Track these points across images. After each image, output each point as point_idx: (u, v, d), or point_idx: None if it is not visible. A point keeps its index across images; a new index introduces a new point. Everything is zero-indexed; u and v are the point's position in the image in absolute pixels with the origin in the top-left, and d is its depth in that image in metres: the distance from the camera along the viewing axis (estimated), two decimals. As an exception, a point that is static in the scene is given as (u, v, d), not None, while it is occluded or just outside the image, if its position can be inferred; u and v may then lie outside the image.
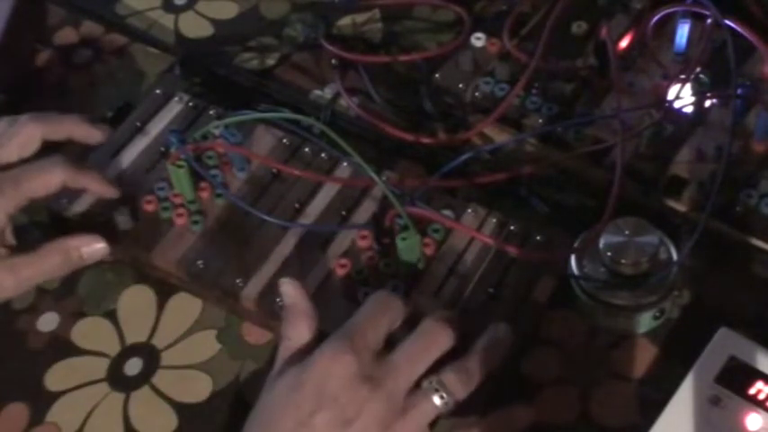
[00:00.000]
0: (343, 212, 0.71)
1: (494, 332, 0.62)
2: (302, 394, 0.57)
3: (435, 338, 0.60)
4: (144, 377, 0.68)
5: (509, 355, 0.62)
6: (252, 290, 0.68)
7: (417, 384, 0.59)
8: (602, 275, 0.64)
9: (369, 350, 0.58)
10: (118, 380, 0.69)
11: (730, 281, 0.67)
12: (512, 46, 0.78)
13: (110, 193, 0.71)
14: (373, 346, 0.59)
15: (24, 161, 0.70)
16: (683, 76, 0.73)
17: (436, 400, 0.58)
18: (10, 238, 0.68)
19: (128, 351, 0.70)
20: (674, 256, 0.64)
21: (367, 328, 0.59)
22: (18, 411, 0.68)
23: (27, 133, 0.71)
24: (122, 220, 0.71)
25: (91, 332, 0.71)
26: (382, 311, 0.61)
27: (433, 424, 0.59)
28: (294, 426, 0.56)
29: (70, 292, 0.73)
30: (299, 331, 0.62)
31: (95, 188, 0.71)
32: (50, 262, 0.67)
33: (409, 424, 0.57)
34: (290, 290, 0.63)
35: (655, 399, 0.61)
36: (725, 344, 0.61)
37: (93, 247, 0.69)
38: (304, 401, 0.57)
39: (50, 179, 0.68)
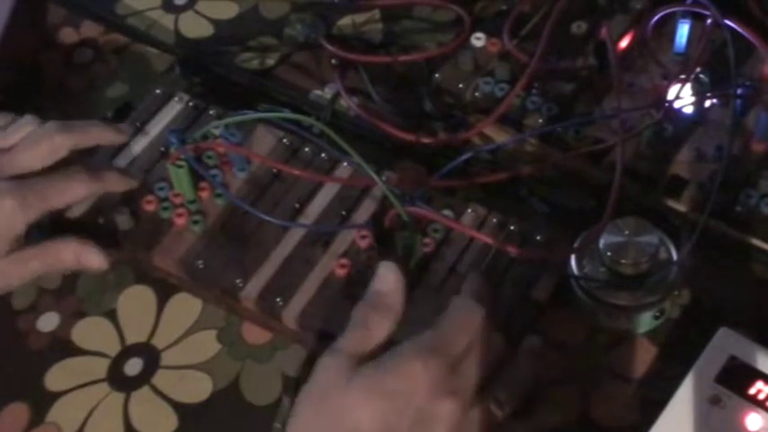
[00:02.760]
0: (343, 212, 0.71)
1: (530, 343, 0.62)
2: (391, 404, 0.55)
3: (494, 347, 0.60)
4: (144, 377, 0.68)
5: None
6: (252, 290, 0.68)
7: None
8: (603, 275, 0.64)
9: (454, 360, 0.57)
10: (118, 380, 0.69)
11: (730, 281, 0.67)
12: (512, 46, 0.78)
13: (132, 185, 0.72)
14: (459, 356, 0.57)
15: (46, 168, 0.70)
16: (683, 76, 0.73)
17: (496, 411, 0.58)
18: (21, 241, 0.68)
19: (128, 351, 0.70)
20: (674, 256, 0.65)
21: (456, 338, 0.58)
22: (18, 411, 0.68)
23: (56, 143, 0.69)
24: (122, 220, 0.71)
25: (91, 332, 0.71)
26: (470, 321, 0.59)
27: None
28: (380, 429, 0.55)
29: (70, 292, 0.73)
30: (381, 324, 0.59)
31: (119, 188, 0.71)
32: (52, 257, 0.68)
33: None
34: (389, 276, 0.61)
35: (655, 399, 0.61)
36: (725, 344, 0.61)
37: (91, 257, 0.68)
38: (392, 411, 0.55)
39: (75, 193, 0.69)
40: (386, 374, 0.56)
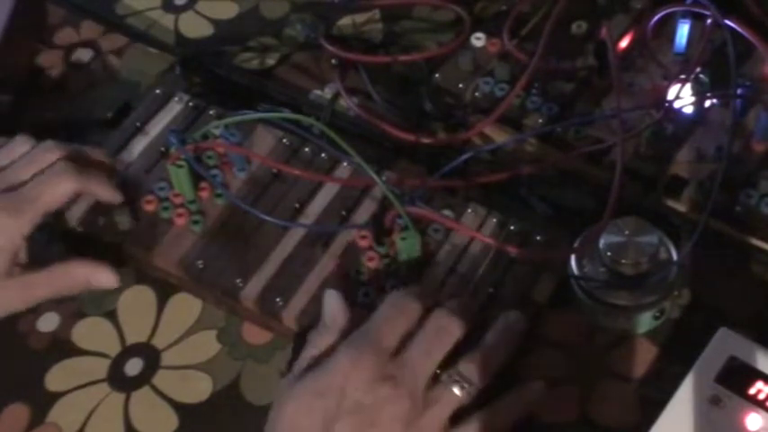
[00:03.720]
0: (343, 212, 0.71)
1: (505, 319, 0.63)
2: (325, 400, 0.57)
3: (446, 329, 0.60)
4: (144, 377, 0.68)
5: (522, 341, 0.63)
6: (252, 290, 0.68)
7: (436, 378, 0.59)
8: (602, 275, 0.64)
9: (387, 351, 0.59)
10: (118, 380, 0.69)
11: (730, 281, 0.67)
12: (512, 46, 0.78)
13: (114, 198, 0.71)
14: (391, 347, 0.59)
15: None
16: (683, 76, 0.73)
17: (456, 390, 0.59)
18: (23, 257, 0.67)
19: (128, 351, 0.70)
20: (674, 256, 0.64)
21: (384, 330, 0.60)
22: (19, 412, 0.68)
23: (49, 160, 0.69)
24: (122, 221, 0.71)
25: (91, 332, 0.71)
26: (399, 313, 0.61)
27: (457, 418, 0.59)
28: (320, 427, 0.57)
29: (70, 293, 0.73)
30: (325, 343, 0.62)
31: (102, 194, 0.70)
32: (60, 283, 0.67)
33: (432, 418, 0.58)
34: (332, 303, 0.64)
35: (655, 399, 0.61)
36: (725, 344, 0.61)
37: (102, 278, 0.68)
38: (327, 407, 0.57)
39: (63, 191, 0.68)
40: (319, 375, 0.58)
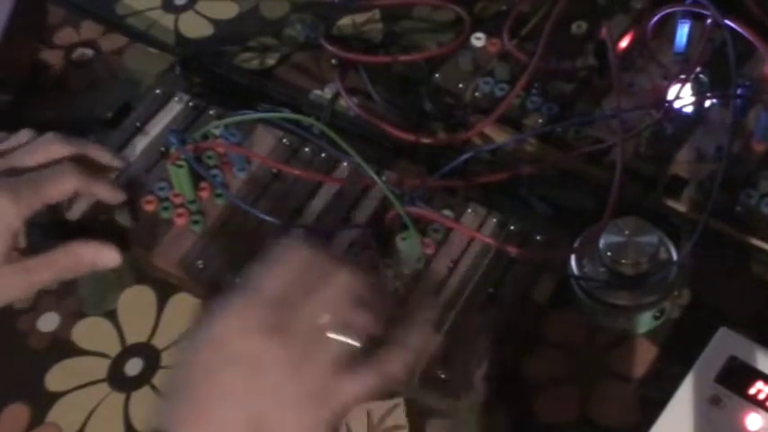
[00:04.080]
0: (343, 212, 0.71)
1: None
2: (207, 353, 0.56)
3: (337, 279, 0.57)
4: (144, 377, 0.68)
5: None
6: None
7: (328, 326, 0.57)
8: (602, 275, 0.64)
9: (267, 300, 0.57)
10: (118, 380, 0.69)
11: (730, 281, 0.67)
12: (512, 46, 0.78)
13: (116, 199, 0.71)
14: (272, 295, 0.57)
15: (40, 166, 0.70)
16: (683, 76, 0.73)
17: (341, 338, 0.56)
18: (21, 241, 0.67)
19: (128, 351, 0.70)
20: (674, 256, 0.64)
21: (265, 281, 0.58)
22: (19, 412, 0.68)
23: (53, 150, 0.70)
24: (122, 220, 0.71)
25: (91, 332, 0.71)
26: (282, 262, 0.59)
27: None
28: (205, 384, 0.56)
29: (70, 293, 0.73)
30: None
31: (104, 195, 0.71)
32: (62, 265, 0.67)
33: (321, 364, 0.56)
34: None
35: (655, 399, 0.61)
36: (725, 344, 0.61)
37: (106, 257, 0.68)
38: (210, 360, 0.56)
39: (65, 185, 0.68)
40: (201, 330, 0.57)
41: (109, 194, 0.71)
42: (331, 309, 0.56)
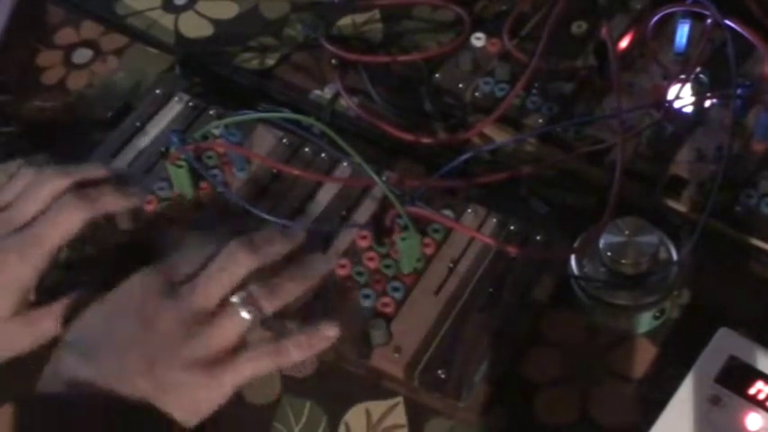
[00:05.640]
0: (343, 212, 0.71)
1: (312, 258, 0.65)
2: (109, 306, 0.60)
3: (237, 258, 0.61)
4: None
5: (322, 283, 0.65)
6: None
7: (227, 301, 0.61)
8: (602, 275, 0.64)
9: (174, 276, 0.61)
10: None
11: (730, 281, 0.67)
12: (512, 46, 0.78)
13: (132, 203, 0.69)
14: (180, 277, 0.61)
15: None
16: (683, 76, 0.73)
17: (243, 313, 0.60)
18: (31, 297, 0.65)
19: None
20: (674, 256, 0.64)
21: (179, 261, 0.62)
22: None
23: (56, 186, 0.66)
24: (122, 220, 0.71)
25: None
26: (198, 251, 0.63)
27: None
28: (104, 333, 0.59)
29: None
30: None
31: (117, 208, 0.69)
32: (65, 315, 0.65)
33: (217, 336, 0.60)
34: None
35: (655, 399, 0.61)
36: (725, 344, 0.61)
37: None
38: (110, 312, 0.60)
39: (70, 224, 0.65)
40: (113, 292, 0.61)
41: (121, 202, 0.68)
42: (227, 281, 0.61)
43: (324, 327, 0.62)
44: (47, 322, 0.64)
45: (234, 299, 0.60)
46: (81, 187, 0.67)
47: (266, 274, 0.62)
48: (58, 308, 0.65)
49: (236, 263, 0.61)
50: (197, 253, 0.63)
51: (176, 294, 0.60)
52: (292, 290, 0.63)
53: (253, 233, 0.63)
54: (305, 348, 0.61)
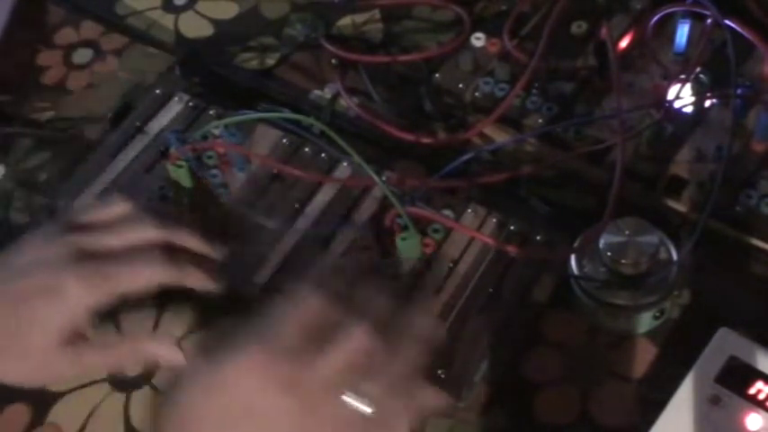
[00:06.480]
0: (343, 212, 0.71)
1: (420, 328, 0.57)
2: (219, 399, 0.53)
3: (357, 339, 0.54)
4: (145, 378, 0.68)
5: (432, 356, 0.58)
6: (252, 290, 0.68)
7: (338, 383, 0.54)
8: (602, 275, 0.64)
9: (283, 352, 0.54)
10: (119, 380, 0.68)
11: (730, 281, 0.67)
12: (512, 46, 0.78)
13: (209, 288, 0.65)
14: (288, 346, 0.54)
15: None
16: (683, 76, 0.73)
17: (354, 402, 0.54)
18: (86, 331, 0.62)
19: (128, 351, 0.70)
20: (674, 256, 0.64)
21: (281, 329, 0.54)
22: (19, 412, 0.67)
23: (147, 236, 0.63)
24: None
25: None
26: (298, 309, 0.55)
27: None
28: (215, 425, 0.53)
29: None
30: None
31: (198, 285, 0.64)
32: (118, 358, 0.63)
33: (324, 425, 0.53)
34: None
35: (655, 399, 0.61)
36: (725, 344, 0.61)
37: (170, 355, 0.63)
38: (223, 409, 0.53)
39: (147, 279, 0.62)
40: (213, 371, 0.54)
41: (203, 283, 0.64)
42: (347, 370, 0.53)
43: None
44: (96, 361, 0.62)
45: (347, 393, 0.54)
46: (171, 247, 0.64)
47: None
48: (110, 349, 0.62)
49: (355, 343, 0.54)
50: (304, 318, 0.55)
51: (294, 384, 0.53)
52: (405, 375, 0.55)
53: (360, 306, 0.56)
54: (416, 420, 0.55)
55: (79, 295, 0.60)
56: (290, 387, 0.53)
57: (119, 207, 0.65)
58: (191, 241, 0.65)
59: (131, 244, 0.62)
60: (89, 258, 0.61)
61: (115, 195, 0.67)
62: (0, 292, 0.60)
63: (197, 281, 0.64)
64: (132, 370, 0.64)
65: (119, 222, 0.64)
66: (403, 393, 0.55)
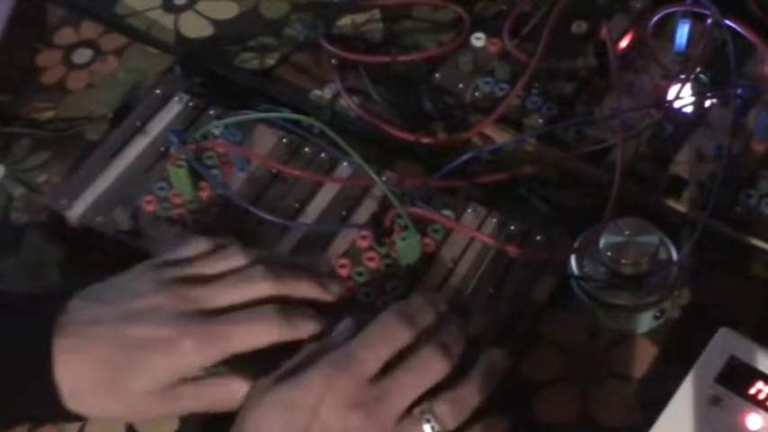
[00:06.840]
0: (343, 212, 0.71)
1: (489, 358, 0.61)
2: (294, 415, 0.56)
3: (431, 367, 0.58)
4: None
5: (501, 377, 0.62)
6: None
7: (410, 408, 0.57)
8: (602, 275, 0.64)
9: (365, 376, 0.57)
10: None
11: (730, 281, 0.67)
12: (512, 46, 0.78)
13: (311, 332, 0.63)
14: (370, 371, 0.57)
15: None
16: (683, 76, 0.73)
17: (427, 429, 0.57)
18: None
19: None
20: (674, 256, 0.64)
21: (367, 355, 0.58)
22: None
23: (260, 290, 0.62)
24: (122, 221, 0.71)
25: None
26: (386, 339, 0.59)
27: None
28: None
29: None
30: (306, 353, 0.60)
31: (305, 336, 0.62)
32: (215, 400, 0.61)
33: None
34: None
35: (655, 399, 0.61)
36: (725, 344, 0.61)
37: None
38: (296, 423, 0.56)
39: (262, 340, 0.61)
40: (293, 387, 0.57)
41: (307, 333, 0.63)
42: (420, 394, 0.57)
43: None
44: (192, 403, 0.61)
45: (416, 412, 0.57)
46: (285, 300, 0.63)
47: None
48: (207, 390, 0.61)
49: (431, 372, 0.58)
50: (385, 343, 0.58)
51: (370, 406, 0.56)
52: (475, 402, 0.59)
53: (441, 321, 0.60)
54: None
55: (195, 354, 0.60)
56: (366, 409, 0.56)
57: (232, 256, 0.64)
58: (308, 291, 0.64)
59: (248, 300, 0.62)
60: (207, 317, 0.61)
61: (233, 247, 0.65)
62: (116, 332, 0.60)
63: (307, 333, 0.62)
64: (226, 409, 0.62)
65: (234, 275, 0.63)
66: (475, 423, 0.58)
